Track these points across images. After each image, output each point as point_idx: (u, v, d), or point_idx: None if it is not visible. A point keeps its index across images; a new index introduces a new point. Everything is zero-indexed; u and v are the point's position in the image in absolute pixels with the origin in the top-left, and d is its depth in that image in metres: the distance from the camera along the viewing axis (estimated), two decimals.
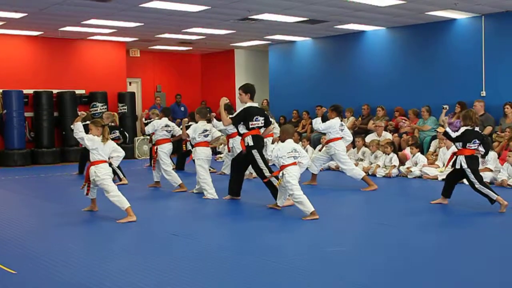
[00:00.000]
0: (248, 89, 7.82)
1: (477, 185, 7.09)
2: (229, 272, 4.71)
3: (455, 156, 7.29)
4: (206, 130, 8.40)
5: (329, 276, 4.51)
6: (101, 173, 6.78)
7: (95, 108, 14.76)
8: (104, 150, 6.89)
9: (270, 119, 9.81)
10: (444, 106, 11.76)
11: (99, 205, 7.31)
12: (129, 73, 16.59)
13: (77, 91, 14.79)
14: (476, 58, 11.95)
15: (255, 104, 7.88)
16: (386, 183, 9.90)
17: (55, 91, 14.39)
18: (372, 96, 13.67)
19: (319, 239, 5.94)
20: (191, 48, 17.32)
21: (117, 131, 10.30)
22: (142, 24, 12.50)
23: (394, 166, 10.56)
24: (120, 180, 9.84)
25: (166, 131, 9.36)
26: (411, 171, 10.35)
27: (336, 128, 9.08)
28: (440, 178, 9.80)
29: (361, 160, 11.36)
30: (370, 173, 10.72)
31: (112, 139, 8.09)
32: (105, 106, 14.99)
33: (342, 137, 9.17)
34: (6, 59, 14.02)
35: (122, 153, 7.13)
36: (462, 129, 7.16)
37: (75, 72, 15.06)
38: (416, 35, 13.10)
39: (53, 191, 9.74)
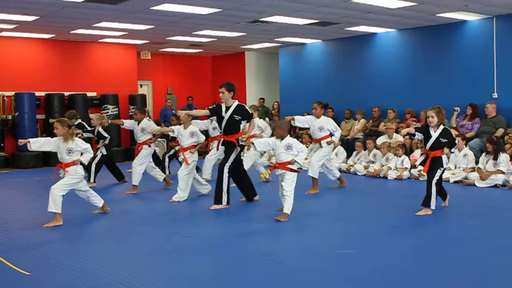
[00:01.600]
0: (232, 87, 7.77)
1: (434, 181, 7.05)
2: (235, 273, 4.72)
3: (430, 157, 7.22)
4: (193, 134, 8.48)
5: (336, 277, 4.50)
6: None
7: (106, 111, 14.83)
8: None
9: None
10: (456, 108, 11.64)
11: (111, 207, 7.35)
12: (140, 75, 16.66)
13: (89, 94, 14.89)
14: (487, 60, 11.88)
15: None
16: (397, 185, 9.86)
17: (66, 94, 14.49)
18: (383, 98, 13.63)
19: (327, 241, 5.93)
20: (201, 50, 17.37)
21: (107, 138, 10.23)
22: (153, 26, 12.55)
23: (406, 168, 10.51)
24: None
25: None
26: (422, 174, 10.28)
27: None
28: (452, 181, 9.76)
29: (372, 162, 11.32)
30: (381, 175, 10.69)
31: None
32: (116, 108, 15.07)
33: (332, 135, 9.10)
34: (18, 62, 14.14)
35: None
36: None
37: (86, 75, 15.16)
38: (427, 37, 13.04)
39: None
